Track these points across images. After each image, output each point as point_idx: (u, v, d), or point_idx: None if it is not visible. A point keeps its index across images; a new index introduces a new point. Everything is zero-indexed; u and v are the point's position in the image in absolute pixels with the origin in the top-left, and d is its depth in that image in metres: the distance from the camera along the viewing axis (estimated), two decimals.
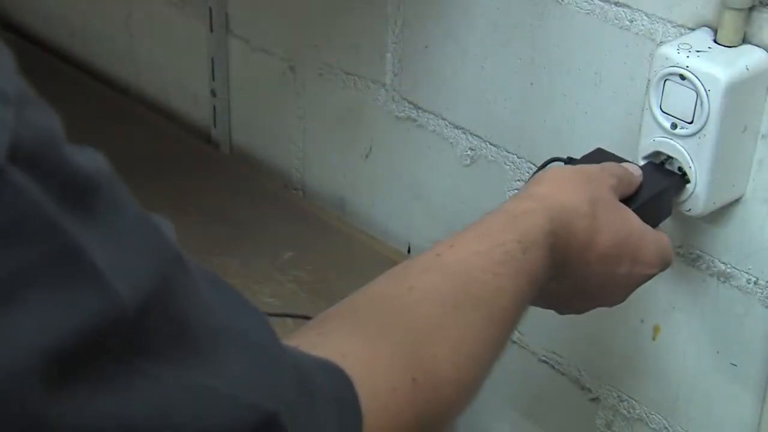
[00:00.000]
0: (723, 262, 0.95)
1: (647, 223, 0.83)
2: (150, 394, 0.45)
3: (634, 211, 0.83)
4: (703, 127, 0.86)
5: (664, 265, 0.84)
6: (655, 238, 0.83)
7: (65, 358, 0.42)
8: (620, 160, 0.88)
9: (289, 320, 1.07)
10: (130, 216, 0.47)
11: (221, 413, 0.48)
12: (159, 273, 0.46)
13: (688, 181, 0.88)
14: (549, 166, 0.89)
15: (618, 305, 1.04)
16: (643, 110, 0.90)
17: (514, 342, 1.16)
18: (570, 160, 0.90)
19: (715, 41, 0.87)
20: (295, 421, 0.52)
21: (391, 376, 0.61)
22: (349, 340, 0.62)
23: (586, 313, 1.08)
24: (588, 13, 0.98)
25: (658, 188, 0.87)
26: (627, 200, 0.84)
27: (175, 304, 0.47)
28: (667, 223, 0.97)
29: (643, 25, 0.94)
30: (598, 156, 0.89)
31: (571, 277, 0.78)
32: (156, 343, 0.46)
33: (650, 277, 0.83)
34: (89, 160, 0.46)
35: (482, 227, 0.74)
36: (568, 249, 0.76)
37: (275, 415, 0.50)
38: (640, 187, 0.86)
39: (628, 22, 0.95)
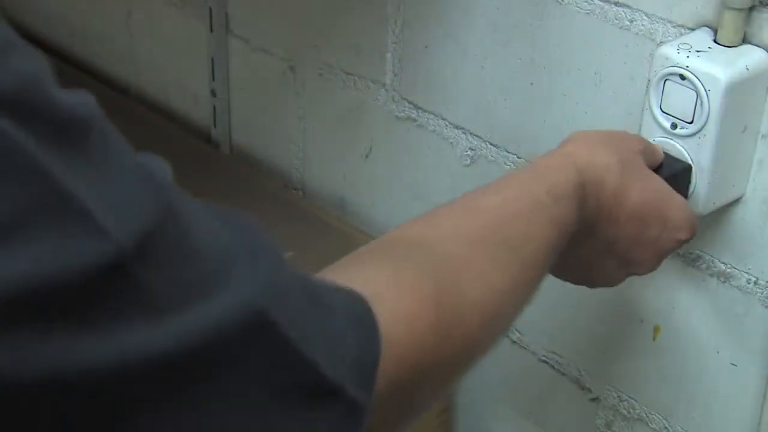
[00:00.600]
0: (723, 262, 0.95)
1: None
2: (147, 339, 0.45)
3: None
4: (703, 127, 0.86)
5: (692, 232, 0.84)
6: (683, 203, 0.84)
7: (53, 297, 0.42)
8: None
9: None
10: (121, 157, 0.46)
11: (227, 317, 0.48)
12: (154, 212, 0.46)
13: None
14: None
15: (618, 305, 1.05)
16: (643, 110, 0.90)
17: (514, 342, 1.16)
18: None
19: (715, 41, 0.87)
20: (304, 328, 0.52)
21: (413, 300, 0.61)
22: (374, 269, 0.63)
23: (586, 313, 1.08)
24: (588, 13, 0.98)
25: (678, 167, 0.88)
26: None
27: (173, 240, 0.47)
28: None
29: (643, 25, 0.94)
30: None
31: (601, 236, 0.79)
32: (155, 286, 0.45)
33: (681, 242, 0.84)
34: (80, 103, 0.46)
35: (512, 179, 0.77)
36: (599, 204, 0.78)
37: (263, 312, 0.50)
38: (660, 165, 0.87)
39: (628, 22, 0.95)
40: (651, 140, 0.89)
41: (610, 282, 0.85)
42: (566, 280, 0.85)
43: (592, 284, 0.86)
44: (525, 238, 0.71)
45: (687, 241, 0.85)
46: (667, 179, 0.87)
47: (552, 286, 1.05)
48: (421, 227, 0.71)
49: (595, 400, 1.10)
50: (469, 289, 0.65)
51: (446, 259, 0.66)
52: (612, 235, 0.80)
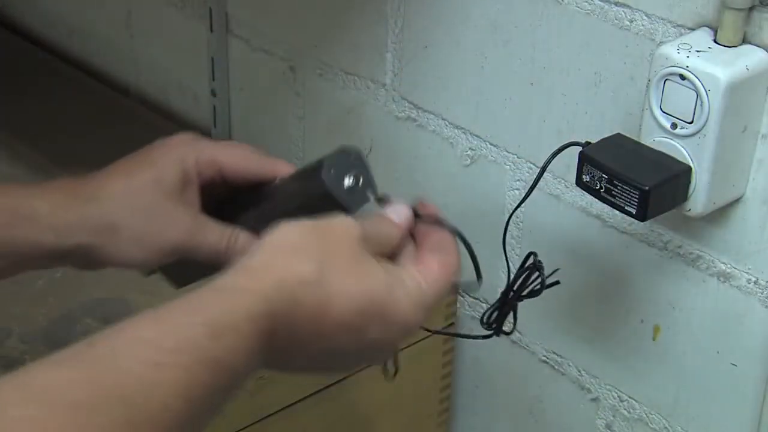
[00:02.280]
0: (723, 262, 0.95)
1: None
2: None
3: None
4: (703, 127, 0.86)
5: (422, 318, 0.73)
6: (409, 289, 0.72)
7: None
8: (636, 144, 0.89)
9: None
10: None
11: None
12: None
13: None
14: (565, 150, 0.92)
15: (618, 305, 1.05)
16: (643, 110, 0.90)
17: (514, 342, 1.16)
18: (587, 144, 0.90)
19: (715, 41, 0.87)
20: None
21: None
22: None
23: (586, 313, 1.08)
24: (588, 13, 0.98)
25: (677, 168, 0.87)
26: None
27: None
28: (667, 222, 0.97)
29: (643, 25, 0.94)
30: (618, 141, 0.90)
31: (308, 352, 0.69)
32: None
33: (416, 327, 0.73)
34: None
35: (170, 307, 0.63)
36: (294, 327, 0.67)
37: None
38: (657, 167, 0.85)
39: (628, 22, 0.95)
40: (651, 140, 0.89)
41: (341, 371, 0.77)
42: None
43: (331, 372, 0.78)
44: (150, 387, 0.58)
45: (425, 319, 0.73)
46: (666, 179, 0.87)
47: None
48: (12, 386, 0.56)
49: (595, 400, 1.10)
50: None
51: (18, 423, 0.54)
52: (324, 349, 0.69)
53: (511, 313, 0.92)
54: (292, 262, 0.68)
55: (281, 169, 0.86)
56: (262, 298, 0.65)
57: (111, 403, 0.56)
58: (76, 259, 0.83)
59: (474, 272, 0.79)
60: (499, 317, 0.94)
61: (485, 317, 0.91)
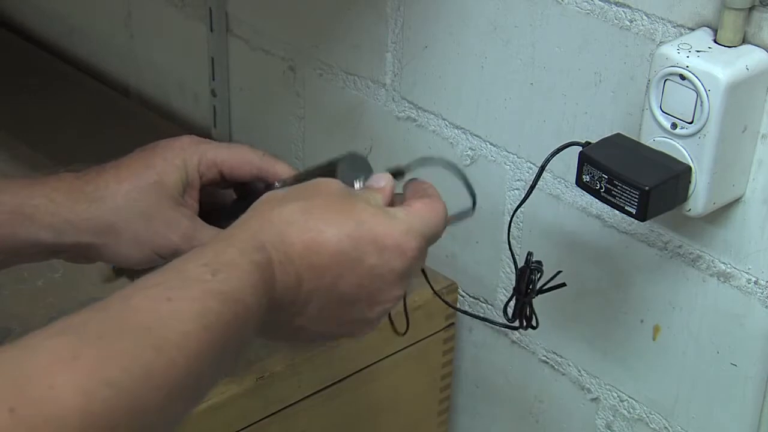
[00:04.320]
0: (723, 262, 0.95)
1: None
2: None
3: None
4: (703, 127, 0.86)
5: (418, 237, 0.74)
6: (398, 216, 0.75)
7: None
8: (636, 144, 0.90)
9: None
10: None
11: None
12: None
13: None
14: (565, 150, 0.92)
15: (618, 305, 1.05)
16: (643, 110, 0.90)
17: (514, 342, 1.16)
18: (587, 144, 0.90)
19: (715, 41, 0.87)
20: None
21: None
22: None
23: (586, 313, 1.08)
24: (588, 13, 0.98)
25: (677, 168, 0.87)
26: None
27: None
28: (667, 222, 0.97)
29: (643, 25, 0.94)
30: (618, 141, 0.91)
31: (315, 297, 0.72)
32: None
33: (415, 253, 0.74)
34: None
35: (173, 262, 0.68)
36: (291, 263, 0.70)
37: None
38: (655, 166, 0.85)
39: (628, 22, 0.95)
40: (651, 140, 0.89)
41: (367, 327, 0.77)
42: (326, 341, 0.78)
43: (351, 335, 0.77)
44: (167, 317, 0.62)
45: (421, 248, 0.75)
46: (666, 179, 0.87)
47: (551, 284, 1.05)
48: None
49: (595, 400, 1.10)
50: (67, 389, 0.56)
51: (45, 356, 0.57)
52: (325, 285, 0.71)
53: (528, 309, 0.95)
54: (277, 208, 0.72)
55: (280, 170, 0.87)
56: (251, 236, 0.69)
57: (133, 332, 0.60)
58: (74, 255, 0.85)
59: (467, 203, 0.82)
60: (521, 313, 0.96)
61: (507, 312, 0.95)
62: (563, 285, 0.97)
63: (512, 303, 0.96)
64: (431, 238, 0.77)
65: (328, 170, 0.81)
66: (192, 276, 0.65)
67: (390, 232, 0.73)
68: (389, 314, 0.85)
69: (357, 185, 0.81)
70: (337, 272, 0.72)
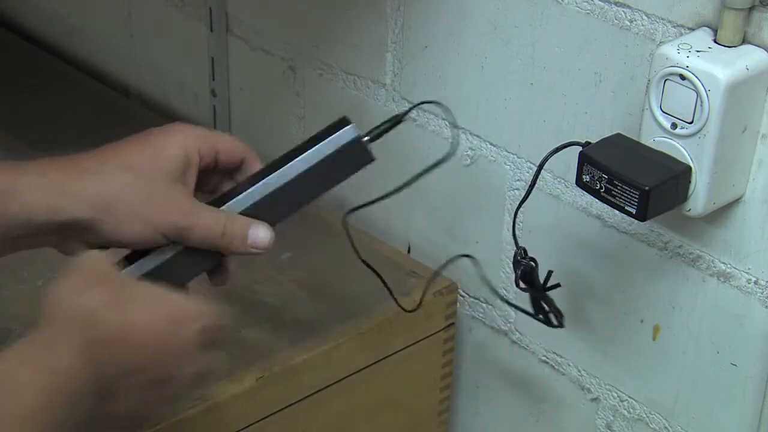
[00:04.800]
0: (723, 262, 0.95)
1: None
2: None
3: None
4: (703, 127, 0.86)
5: (204, 317, 0.79)
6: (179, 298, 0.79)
7: None
8: (636, 144, 0.90)
9: (287, 320, 1.07)
10: None
11: None
12: None
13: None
14: (565, 150, 0.93)
15: (618, 305, 1.05)
16: (643, 110, 0.90)
17: (514, 342, 1.16)
18: (587, 144, 0.90)
19: (715, 41, 0.87)
20: None
21: None
22: None
23: (586, 313, 1.08)
24: (588, 13, 0.98)
25: (677, 168, 0.87)
26: None
27: None
28: (667, 222, 0.97)
29: (643, 25, 0.94)
30: (618, 141, 0.91)
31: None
32: None
33: (202, 333, 0.78)
34: None
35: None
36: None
37: None
38: (654, 166, 0.87)
39: (628, 22, 0.95)
40: (651, 140, 0.89)
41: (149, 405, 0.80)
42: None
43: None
44: None
45: (210, 328, 0.79)
46: (666, 179, 0.87)
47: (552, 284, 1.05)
48: None
49: (595, 400, 1.10)
50: None
51: None
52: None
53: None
54: (83, 296, 0.77)
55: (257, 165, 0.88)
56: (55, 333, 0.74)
57: None
58: (69, 237, 0.82)
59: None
60: (540, 311, 0.97)
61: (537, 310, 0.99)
62: (558, 285, 0.98)
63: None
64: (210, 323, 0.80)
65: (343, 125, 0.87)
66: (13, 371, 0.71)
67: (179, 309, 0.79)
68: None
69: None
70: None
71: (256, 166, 0.87)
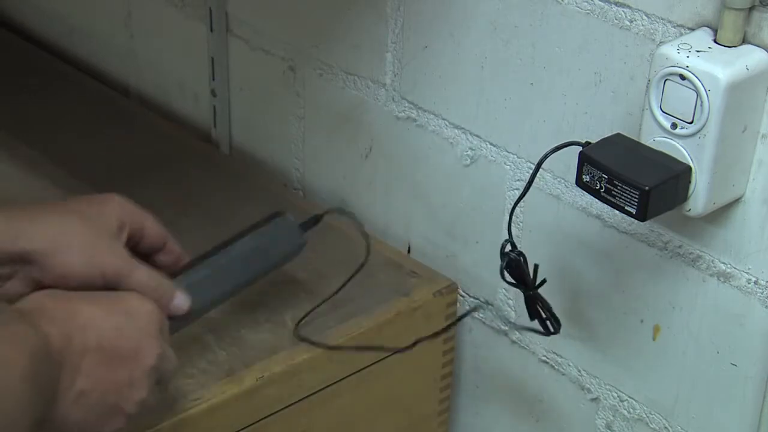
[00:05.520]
0: (723, 262, 0.95)
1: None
2: None
3: None
4: (703, 127, 0.86)
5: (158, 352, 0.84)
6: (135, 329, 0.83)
7: None
8: (636, 144, 0.90)
9: (288, 320, 1.07)
10: None
11: None
12: None
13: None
14: (565, 150, 0.92)
15: (618, 305, 1.05)
16: (643, 110, 0.90)
17: (514, 342, 1.16)
18: (587, 144, 0.90)
19: (715, 41, 0.87)
20: None
21: None
22: None
23: (586, 313, 1.08)
24: (588, 13, 0.98)
25: (677, 168, 0.87)
26: None
27: None
28: (667, 222, 0.97)
29: (643, 25, 0.94)
30: (618, 141, 0.91)
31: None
32: None
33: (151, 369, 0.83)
34: None
35: None
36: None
37: None
38: (653, 166, 0.87)
39: (628, 22, 0.95)
40: (651, 140, 0.89)
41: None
42: None
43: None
44: None
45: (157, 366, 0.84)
46: (666, 179, 0.87)
47: (551, 284, 1.05)
48: None
49: (595, 400, 1.10)
50: None
51: None
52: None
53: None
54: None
55: (177, 251, 0.95)
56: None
57: None
58: (19, 270, 0.85)
59: None
60: (533, 311, 0.97)
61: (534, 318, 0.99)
62: (544, 281, 0.98)
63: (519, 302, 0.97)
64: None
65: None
66: None
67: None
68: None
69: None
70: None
71: (176, 250, 0.94)
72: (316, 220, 1.04)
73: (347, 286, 1.08)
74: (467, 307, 1.20)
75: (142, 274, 0.87)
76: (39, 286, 0.84)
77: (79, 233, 0.85)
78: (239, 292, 0.99)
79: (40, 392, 0.74)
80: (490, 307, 1.15)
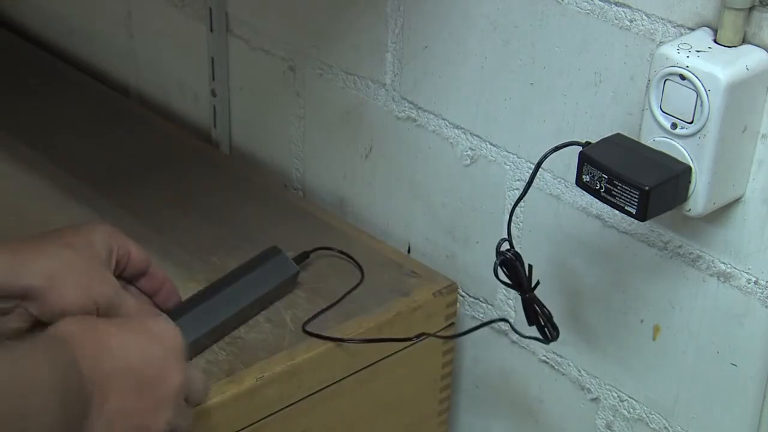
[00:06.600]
0: (723, 262, 0.95)
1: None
2: None
3: None
4: (703, 127, 0.86)
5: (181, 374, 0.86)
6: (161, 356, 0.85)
7: None
8: (636, 144, 0.90)
9: (288, 320, 1.07)
10: None
11: None
12: None
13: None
14: (565, 150, 0.92)
15: (618, 305, 1.05)
16: (643, 110, 0.90)
17: (514, 342, 1.16)
18: (587, 144, 0.90)
19: (715, 41, 0.87)
20: None
21: None
22: None
23: (586, 313, 1.08)
24: (588, 13, 0.98)
25: (677, 168, 0.88)
26: None
27: None
28: (667, 222, 0.97)
29: (643, 25, 0.94)
30: (618, 141, 0.91)
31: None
32: None
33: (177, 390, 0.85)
34: None
35: None
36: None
37: None
38: (652, 168, 0.87)
39: (628, 22, 0.95)
40: (651, 140, 0.89)
41: None
42: None
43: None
44: None
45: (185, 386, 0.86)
46: (666, 179, 0.87)
47: (551, 284, 1.05)
48: None
49: (595, 400, 1.10)
50: None
51: None
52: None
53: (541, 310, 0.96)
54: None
55: (161, 275, 1.00)
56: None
57: None
58: (19, 305, 0.88)
59: None
60: (531, 315, 0.97)
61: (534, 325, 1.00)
62: (537, 283, 0.98)
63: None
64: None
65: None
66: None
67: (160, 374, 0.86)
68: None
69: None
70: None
71: (159, 273, 0.99)
72: (305, 256, 1.10)
73: (348, 285, 1.08)
74: (467, 308, 1.20)
75: (131, 304, 0.92)
76: (35, 321, 0.88)
77: (74, 267, 0.89)
78: (234, 326, 1.04)
79: (70, 414, 0.76)
80: (506, 323, 1.14)
